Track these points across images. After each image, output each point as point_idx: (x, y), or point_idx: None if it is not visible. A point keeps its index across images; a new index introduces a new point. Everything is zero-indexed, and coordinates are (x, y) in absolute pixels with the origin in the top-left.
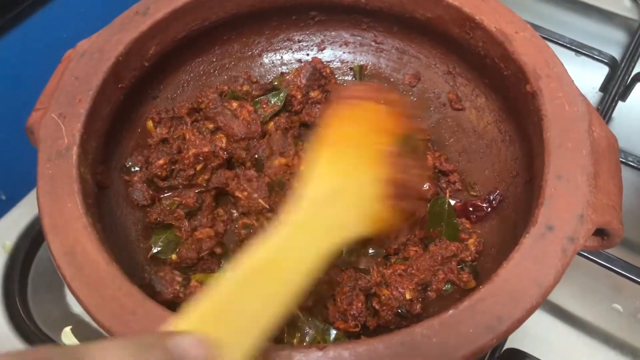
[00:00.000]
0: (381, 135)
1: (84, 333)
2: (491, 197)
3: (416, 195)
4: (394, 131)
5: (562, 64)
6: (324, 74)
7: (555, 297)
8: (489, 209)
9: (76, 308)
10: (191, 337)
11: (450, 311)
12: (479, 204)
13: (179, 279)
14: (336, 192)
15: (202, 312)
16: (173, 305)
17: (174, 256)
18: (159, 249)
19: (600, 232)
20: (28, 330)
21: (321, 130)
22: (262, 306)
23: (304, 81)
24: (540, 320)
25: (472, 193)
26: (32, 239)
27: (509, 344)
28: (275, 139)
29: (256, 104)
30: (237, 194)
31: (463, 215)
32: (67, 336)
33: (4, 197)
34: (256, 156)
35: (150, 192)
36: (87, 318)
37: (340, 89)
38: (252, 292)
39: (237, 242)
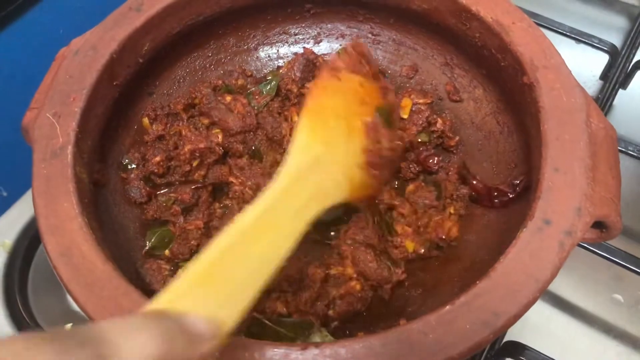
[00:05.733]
0: (361, 107)
1: None
2: (515, 183)
3: (391, 166)
4: (372, 103)
5: (560, 55)
6: (317, 64)
7: (555, 287)
8: (513, 195)
9: (76, 306)
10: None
11: (447, 307)
12: (504, 189)
13: (166, 266)
14: (318, 160)
15: (193, 281)
16: None
17: (167, 252)
18: (153, 245)
19: (598, 225)
20: (29, 328)
21: (305, 100)
22: (250, 272)
23: (298, 74)
24: (540, 311)
25: None
26: (32, 237)
27: (508, 336)
28: (268, 121)
29: (249, 95)
30: (232, 179)
31: (486, 200)
32: None
33: (5, 194)
34: (253, 148)
35: (147, 189)
36: None
37: (326, 65)
38: (239, 258)
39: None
